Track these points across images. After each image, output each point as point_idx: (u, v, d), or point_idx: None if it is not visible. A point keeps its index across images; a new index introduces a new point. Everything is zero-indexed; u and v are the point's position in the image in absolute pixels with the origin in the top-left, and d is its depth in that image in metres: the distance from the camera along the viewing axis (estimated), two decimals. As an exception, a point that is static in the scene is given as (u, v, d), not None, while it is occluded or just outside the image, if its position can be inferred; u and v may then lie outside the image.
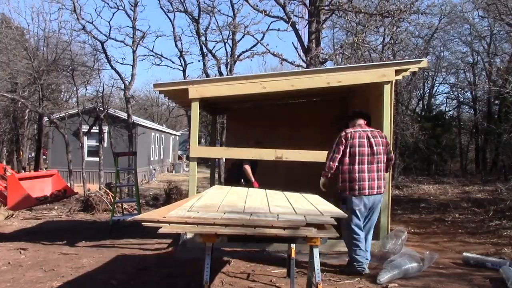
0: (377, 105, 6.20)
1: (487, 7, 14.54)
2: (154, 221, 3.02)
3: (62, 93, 24.31)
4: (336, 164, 4.86)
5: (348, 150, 4.84)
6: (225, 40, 17.19)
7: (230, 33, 16.43)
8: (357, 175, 4.80)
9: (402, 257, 4.85)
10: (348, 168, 4.83)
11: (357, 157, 4.81)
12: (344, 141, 4.85)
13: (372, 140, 4.87)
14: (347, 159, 4.84)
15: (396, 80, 6.82)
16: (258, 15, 24.38)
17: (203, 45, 16.55)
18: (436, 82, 25.54)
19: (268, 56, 16.86)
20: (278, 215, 3.28)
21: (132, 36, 16.41)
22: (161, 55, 18.13)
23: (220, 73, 16.11)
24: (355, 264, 4.84)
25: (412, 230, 7.88)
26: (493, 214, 8.87)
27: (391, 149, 5.16)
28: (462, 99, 25.87)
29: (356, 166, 4.80)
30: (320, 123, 8.66)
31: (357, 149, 4.82)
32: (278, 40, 62.69)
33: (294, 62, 12.60)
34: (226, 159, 7.48)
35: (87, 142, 20.58)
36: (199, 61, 30.63)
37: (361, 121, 5.06)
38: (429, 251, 5.39)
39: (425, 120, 22.47)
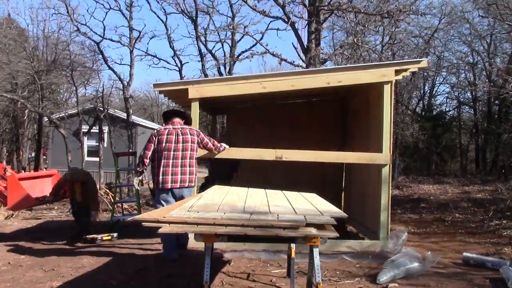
0: (377, 105, 6.21)
1: (487, 7, 14.54)
2: (154, 221, 3.02)
3: (62, 93, 24.34)
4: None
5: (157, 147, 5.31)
6: (224, 40, 17.20)
7: (229, 34, 16.44)
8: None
9: (404, 257, 4.86)
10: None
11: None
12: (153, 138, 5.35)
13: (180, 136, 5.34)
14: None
15: (396, 80, 6.82)
16: (257, 15, 24.36)
17: (202, 46, 16.57)
18: (436, 82, 25.57)
19: (268, 56, 16.91)
20: (278, 215, 3.28)
21: (128, 37, 16.43)
22: (155, 56, 18.15)
23: (220, 73, 16.11)
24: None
25: (412, 230, 7.88)
26: (493, 214, 8.88)
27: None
28: (462, 99, 25.89)
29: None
30: (320, 123, 8.67)
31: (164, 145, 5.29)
32: (278, 40, 62.58)
33: (294, 62, 12.62)
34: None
35: (87, 142, 20.57)
36: (198, 61, 30.59)
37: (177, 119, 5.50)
38: (430, 252, 5.40)
39: (425, 120, 22.48)
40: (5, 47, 16.95)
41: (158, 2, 16.37)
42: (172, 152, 5.25)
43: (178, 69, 18.26)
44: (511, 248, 6.12)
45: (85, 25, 16.25)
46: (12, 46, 17.32)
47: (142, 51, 23.46)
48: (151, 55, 17.89)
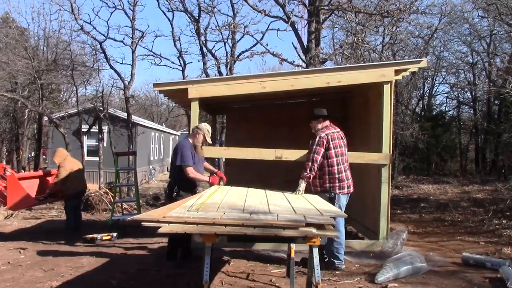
0: (376, 105, 6.21)
1: (487, 7, 14.53)
2: (153, 221, 3.02)
3: (62, 92, 24.33)
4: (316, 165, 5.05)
5: (333, 152, 5.04)
6: (225, 40, 17.20)
7: (230, 33, 16.43)
8: (344, 174, 5.05)
9: (406, 257, 4.86)
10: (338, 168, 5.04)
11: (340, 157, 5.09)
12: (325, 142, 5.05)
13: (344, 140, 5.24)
14: (334, 160, 5.04)
15: (396, 80, 6.82)
16: (258, 15, 24.46)
17: (203, 45, 16.55)
18: (436, 82, 25.54)
19: (268, 56, 16.92)
20: (277, 214, 3.28)
21: (131, 36, 16.42)
22: (160, 55, 18.14)
23: (220, 73, 16.12)
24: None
25: (412, 230, 7.88)
26: (493, 214, 8.88)
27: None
28: (462, 99, 25.87)
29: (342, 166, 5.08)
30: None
31: (339, 149, 5.09)
32: (278, 40, 62.87)
33: (294, 62, 12.63)
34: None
35: (87, 142, 20.57)
36: (198, 61, 30.62)
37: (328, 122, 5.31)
38: (432, 252, 5.41)
39: (425, 120, 22.47)
40: (5, 47, 16.94)
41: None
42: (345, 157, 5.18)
43: (181, 69, 18.27)
44: (511, 248, 6.12)
45: (90, 23, 16.29)
46: (12, 46, 17.29)
47: (147, 49, 23.61)
48: (155, 54, 17.88)
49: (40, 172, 9.09)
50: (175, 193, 5.29)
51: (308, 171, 4.99)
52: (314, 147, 5.03)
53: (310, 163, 5.00)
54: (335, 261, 4.96)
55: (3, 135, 22.46)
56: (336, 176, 5.00)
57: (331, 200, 4.88)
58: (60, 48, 17.66)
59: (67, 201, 7.91)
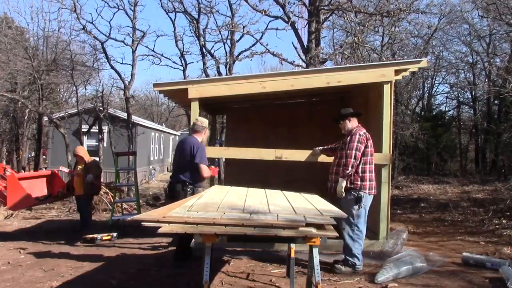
0: (376, 105, 6.21)
1: (487, 7, 14.52)
2: (153, 221, 3.02)
3: (62, 92, 24.31)
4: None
5: (369, 150, 4.96)
6: (224, 40, 17.20)
7: (229, 33, 16.43)
8: (373, 174, 4.99)
9: (406, 257, 4.86)
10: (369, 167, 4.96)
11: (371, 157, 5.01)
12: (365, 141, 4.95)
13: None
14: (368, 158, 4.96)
15: (396, 80, 6.82)
16: (256, 15, 24.50)
17: (202, 46, 16.56)
18: (435, 82, 25.55)
19: (268, 56, 16.92)
20: (277, 214, 3.28)
21: (132, 36, 16.41)
22: (161, 55, 18.15)
23: (219, 73, 16.11)
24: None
25: (412, 230, 7.88)
26: (493, 214, 8.88)
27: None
28: (462, 99, 25.88)
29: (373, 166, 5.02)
30: (319, 122, 8.66)
31: (372, 149, 5.00)
32: (278, 40, 62.90)
33: (294, 62, 12.62)
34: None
35: (87, 142, 20.54)
36: (197, 61, 30.59)
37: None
38: (432, 252, 5.40)
39: (425, 120, 22.47)
40: (5, 47, 16.92)
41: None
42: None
43: (182, 69, 18.30)
44: (511, 248, 6.13)
45: (92, 23, 16.29)
46: (11, 46, 17.27)
47: (149, 48, 23.53)
48: (156, 54, 17.88)
49: (48, 172, 9.08)
50: (189, 192, 5.18)
51: (350, 169, 4.84)
52: (356, 144, 4.87)
53: (353, 160, 4.84)
54: (356, 261, 4.90)
55: (3, 135, 22.45)
56: (367, 175, 4.91)
57: (358, 200, 4.82)
58: (60, 48, 17.65)
59: (81, 199, 7.81)
